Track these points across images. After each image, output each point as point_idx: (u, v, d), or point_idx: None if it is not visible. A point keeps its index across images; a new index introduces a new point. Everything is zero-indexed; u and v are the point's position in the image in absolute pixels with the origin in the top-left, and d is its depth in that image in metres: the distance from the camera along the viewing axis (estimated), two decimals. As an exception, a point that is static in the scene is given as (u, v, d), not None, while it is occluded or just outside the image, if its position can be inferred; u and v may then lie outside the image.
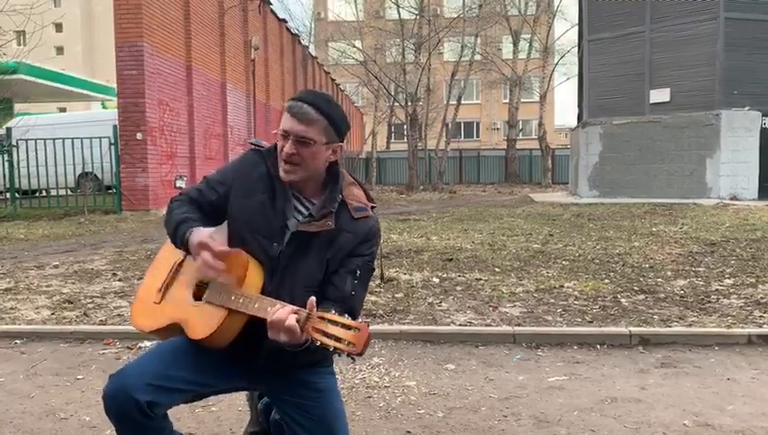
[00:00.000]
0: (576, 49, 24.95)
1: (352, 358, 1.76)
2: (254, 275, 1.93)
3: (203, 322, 1.91)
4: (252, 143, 2.12)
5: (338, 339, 1.67)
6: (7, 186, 14.14)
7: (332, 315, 1.71)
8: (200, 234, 1.91)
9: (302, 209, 2.02)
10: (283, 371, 2.02)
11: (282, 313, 1.77)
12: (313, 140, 1.93)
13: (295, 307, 1.78)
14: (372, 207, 2.07)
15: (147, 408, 1.83)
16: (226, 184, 2.06)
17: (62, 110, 32.98)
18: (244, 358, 2.00)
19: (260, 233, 1.98)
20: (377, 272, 5.63)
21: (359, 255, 1.99)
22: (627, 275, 6.10)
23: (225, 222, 2.08)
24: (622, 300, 5.12)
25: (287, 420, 2.04)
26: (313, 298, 1.77)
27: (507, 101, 38.62)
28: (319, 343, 1.70)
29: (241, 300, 1.87)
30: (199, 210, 2.06)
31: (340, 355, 1.71)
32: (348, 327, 1.67)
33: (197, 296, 1.97)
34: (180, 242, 1.97)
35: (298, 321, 1.74)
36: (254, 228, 1.99)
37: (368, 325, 1.69)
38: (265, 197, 2.00)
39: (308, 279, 1.95)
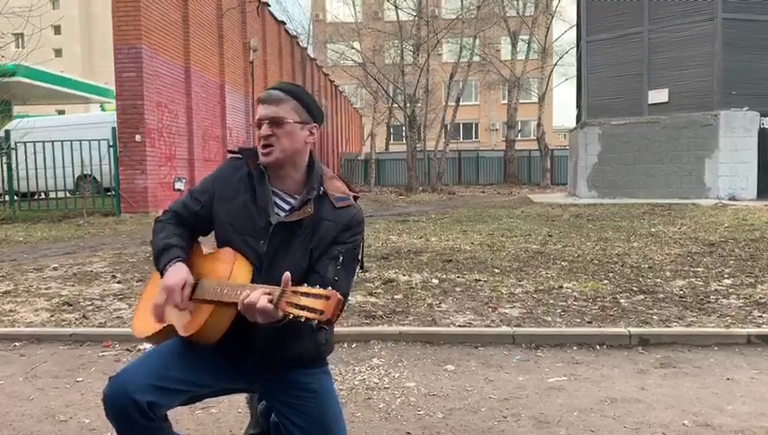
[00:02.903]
0: (574, 50, 24.98)
1: (323, 327, 1.77)
2: (242, 271, 1.96)
3: (191, 318, 1.94)
4: (229, 151, 2.19)
5: (310, 309, 1.69)
6: (6, 188, 14.14)
7: (304, 288, 1.73)
8: (174, 278, 1.93)
9: (284, 205, 2.06)
10: (277, 369, 2.04)
11: (253, 296, 1.78)
12: (285, 118, 1.99)
13: (269, 288, 1.80)
14: (355, 197, 2.11)
15: (147, 409, 1.85)
16: (208, 192, 2.11)
17: (61, 112, 32.96)
18: (237, 356, 2.02)
19: (246, 233, 2.02)
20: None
21: (341, 242, 2.02)
22: (626, 276, 6.10)
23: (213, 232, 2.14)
24: (621, 300, 5.12)
25: (284, 421, 2.05)
26: (288, 273, 1.78)
27: (506, 101, 38.62)
28: (291, 316, 1.72)
29: (225, 290, 1.90)
30: (185, 225, 2.12)
31: (312, 325, 1.72)
32: (318, 296, 1.69)
33: (190, 297, 2.00)
34: (160, 271, 2.02)
35: (271, 301, 1.76)
36: (239, 229, 2.03)
37: (338, 294, 1.70)
38: (247, 196, 2.05)
39: (293, 270, 1.96)
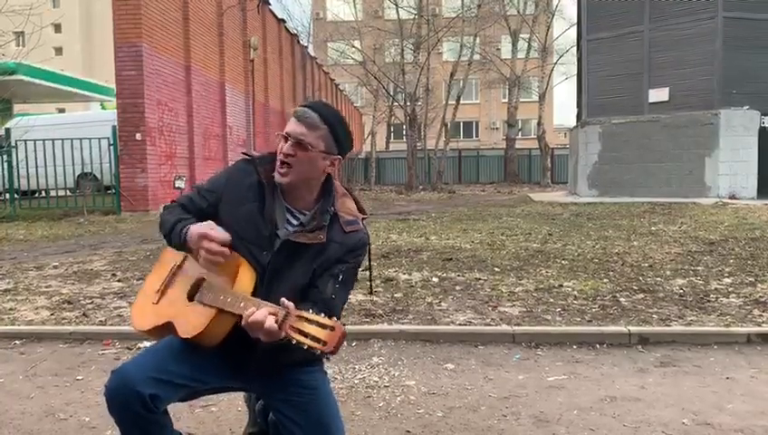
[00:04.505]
0: (575, 48, 24.96)
1: (327, 357, 1.79)
2: (246, 277, 1.96)
3: (192, 321, 1.94)
4: (243, 153, 2.16)
5: (313, 338, 1.69)
6: (7, 186, 14.13)
7: (310, 314, 1.74)
8: (199, 226, 1.96)
9: (293, 220, 2.05)
10: (275, 370, 2.04)
11: (259, 314, 1.79)
12: (311, 145, 1.97)
13: (273, 307, 1.80)
14: (363, 219, 2.11)
15: (150, 401, 1.86)
16: (216, 193, 2.10)
17: (61, 110, 32.96)
18: (237, 357, 2.02)
19: (250, 241, 2.01)
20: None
21: (344, 261, 2.03)
22: (626, 275, 6.10)
23: None
24: (621, 299, 5.12)
25: (281, 419, 2.06)
26: (285, 300, 1.80)
27: (506, 100, 38.62)
28: (294, 342, 1.72)
29: (229, 299, 1.90)
30: (190, 216, 2.11)
31: (314, 354, 1.73)
32: (323, 326, 1.70)
33: (192, 297, 2.00)
34: (178, 239, 2.01)
35: (276, 321, 1.77)
36: (243, 236, 2.01)
37: (342, 326, 1.72)
38: (255, 205, 2.03)
39: (294, 286, 1.98)
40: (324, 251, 2.00)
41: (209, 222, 1.98)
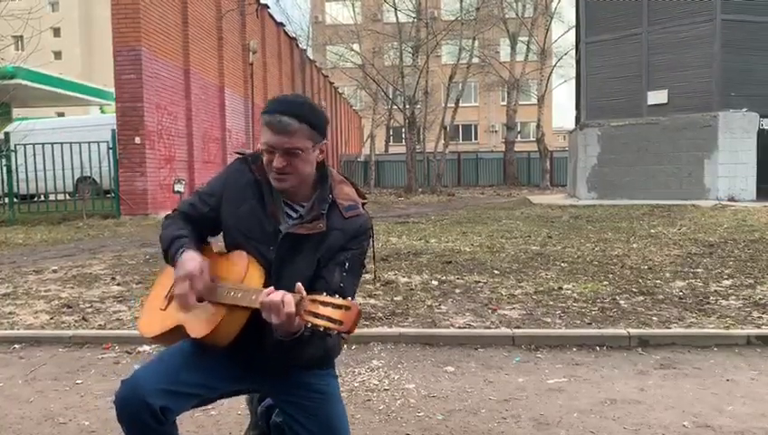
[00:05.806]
0: (574, 51, 25.00)
1: (343, 337, 1.77)
2: (255, 274, 1.96)
3: (203, 320, 1.93)
4: (237, 152, 2.15)
5: (329, 319, 1.67)
6: (6, 191, 14.13)
7: (323, 297, 1.72)
8: (191, 263, 1.92)
9: (292, 213, 2.04)
10: (286, 371, 2.04)
11: (276, 295, 1.77)
12: (300, 149, 1.93)
13: (287, 294, 1.79)
14: (363, 204, 2.09)
15: (160, 413, 1.84)
16: (216, 195, 2.09)
17: (61, 114, 32.97)
18: (247, 355, 2.02)
19: (254, 238, 2.01)
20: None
21: (348, 248, 2.01)
22: (625, 277, 6.10)
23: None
24: (621, 302, 5.12)
25: (289, 421, 2.05)
26: (299, 284, 1.78)
27: (505, 103, 38.67)
28: (310, 325, 1.71)
29: (240, 295, 1.89)
30: (193, 224, 2.11)
31: (330, 335, 1.71)
32: (338, 307, 1.68)
33: (201, 299, 1.99)
34: (171, 260, 2.01)
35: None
36: (248, 235, 2.01)
37: (358, 304, 1.70)
38: (255, 202, 2.02)
39: (300, 278, 1.95)
40: (326, 240, 1.99)
41: (201, 262, 1.93)
